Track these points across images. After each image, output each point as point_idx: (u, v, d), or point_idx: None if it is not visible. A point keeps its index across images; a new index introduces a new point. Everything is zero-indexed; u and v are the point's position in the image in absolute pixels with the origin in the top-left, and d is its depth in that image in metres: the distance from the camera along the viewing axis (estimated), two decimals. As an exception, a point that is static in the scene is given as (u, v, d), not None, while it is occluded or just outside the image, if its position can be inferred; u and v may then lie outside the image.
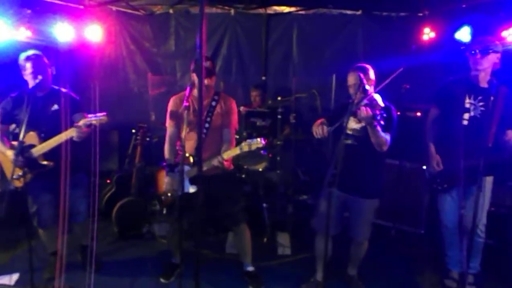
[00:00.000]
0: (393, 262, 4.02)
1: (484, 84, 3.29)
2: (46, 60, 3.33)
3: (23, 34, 4.62)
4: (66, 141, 3.11)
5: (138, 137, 4.40)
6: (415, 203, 4.42)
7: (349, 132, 3.12)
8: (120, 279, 3.61)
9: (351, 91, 3.12)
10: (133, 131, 4.47)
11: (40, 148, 3.18)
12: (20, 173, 3.03)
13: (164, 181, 3.33)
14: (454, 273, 3.56)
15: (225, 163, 3.15)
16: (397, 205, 4.42)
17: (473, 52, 3.22)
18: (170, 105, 3.37)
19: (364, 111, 2.75)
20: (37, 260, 3.64)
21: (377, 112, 2.73)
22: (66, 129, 3.12)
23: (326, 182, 2.70)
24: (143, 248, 4.20)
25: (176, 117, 3.32)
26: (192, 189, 3.17)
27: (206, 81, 3.19)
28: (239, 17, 5.53)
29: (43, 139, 3.19)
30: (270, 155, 4.63)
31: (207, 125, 3.25)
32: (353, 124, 3.11)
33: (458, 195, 3.35)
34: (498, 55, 3.24)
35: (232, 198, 3.40)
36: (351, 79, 3.11)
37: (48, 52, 4.94)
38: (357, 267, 3.52)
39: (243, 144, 2.99)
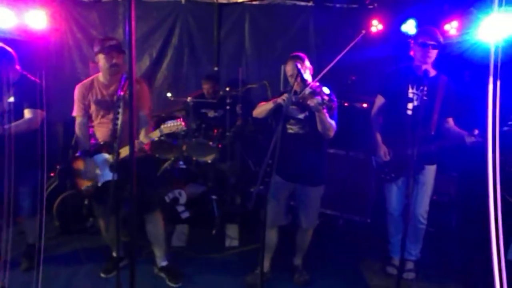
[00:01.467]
0: (339, 251, 4.07)
1: (427, 74, 3.36)
2: (4, 52, 3.25)
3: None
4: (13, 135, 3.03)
5: (81, 128, 4.22)
6: (362, 193, 4.49)
7: (292, 121, 3.11)
8: (58, 275, 3.48)
9: (290, 80, 3.11)
10: (77, 121, 4.29)
11: None
12: None
13: (81, 170, 3.20)
14: (396, 260, 3.65)
15: (145, 146, 3.06)
16: (345, 195, 4.48)
17: (424, 44, 3.26)
18: (77, 94, 3.23)
19: (313, 99, 2.73)
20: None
21: (325, 97, 2.72)
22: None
23: (261, 173, 2.69)
24: (87, 242, 4.06)
25: (84, 106, 3.22)
26: (108, 177, 3.07)
27: (115, 60, 3.06)
28: (190, 6, 5.40)
29: None
30: (220, 146, 4.58)
31: (119, 110, 3.03)
32: (295, 113, 3.10)
33: (404, 183, 3.44)
34: None
35: (147, 183, 3.22)
36: (289, 68, 3.10)
37: (-13, 38, 4.74)
38: (302, 256, 3.54)
39: (162, 126, 2.92)
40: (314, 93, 2.82)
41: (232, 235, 4.19)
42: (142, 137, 3.04)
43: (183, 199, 4.32)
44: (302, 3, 5.37)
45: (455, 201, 4.39)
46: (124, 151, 2.98)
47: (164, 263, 3.46)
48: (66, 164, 4.49)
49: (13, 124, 3.15)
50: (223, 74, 5.52)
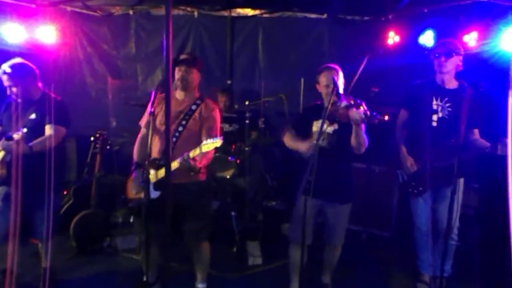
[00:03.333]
0: (365, 266, 3.97)
1: (449, 85, 3.35)
2: (27, 68, 3.24)
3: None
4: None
5: (97, 145, 4.12)
6: (384, 207, 4.42)
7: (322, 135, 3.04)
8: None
9: (326, 91, 3.03)
10: (92, 138, 4.18)
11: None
12: None
13: (131, 184, 3.09)
14: (426, 276, 3.57)
15: (192, 162, 2.78)
16: (367, 209, 4.39)
17: (437, 55, 3.26)
18: (150, 105, 3.11)
19: (356, 112, 2.64)
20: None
21: (368, 112, 2.64)
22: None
23: (301, 189, 2.60)
24: (104, 263, 3.92)
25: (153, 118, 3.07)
26: (154, 195, 2.90)
27: (181, 73, 3.00)
28: (203, 19, 5.36)
29: None
30: (238, 161, 4.49)
31: (180, 128, 3.01)
32: (325, 127, 3.02)
33: (431, 197, 3.37)
34: (460, 57, 3.31)
35: (197, 212, 3.12)
36: (323, 80, 3.03)
37: (-1, 53, 4.66)
38: (331, 274, 3.44)
39: (202, 144, 2.74)
40: (350, 106, 2.75)
41: (255, 252, 4.06)
42: (191, 152, 2.78)
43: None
44: (315, 16, 5.35)
45: (479, 214, 4.31)
46: (163, 172, 2.87)
47: (200, 285, 3.34)
48: (81, 182, 4.39)
49: (35, 141, 3.06)
50: (236, 87, 5.46)
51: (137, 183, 3.05)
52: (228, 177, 4.38)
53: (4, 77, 3.14)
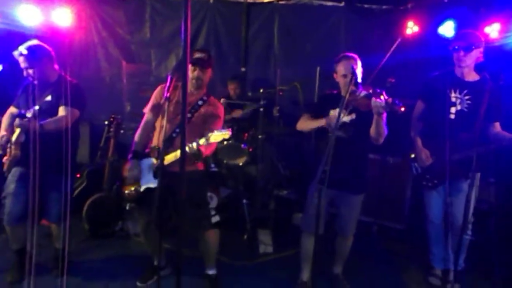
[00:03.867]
0: (376, 258, 3.96)
1: (469, 78, 3.28)
2: (44, 50, 3.21)
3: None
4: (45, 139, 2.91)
5: (111, 129, 4.13)
6: (397, 198, 4.37)
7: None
8: (91, 281, 3.38)
9: (343, 80, 2.98)
10: (106, 123, 4.19)
11: (13, 135, 3.07)
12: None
13: (126, 173, 3.08)
14: (438, 270, 3.55)
15: (201, 148, 2.82)
16: (379, 200, 4.36)
17: (456, 47, 3.19)
18: (156, 93, 3.18)
19: (378, 101, 2.58)
20: (4, 260, 3.40)
21: (389, 99, 2.57)
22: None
23: (316, 179, 2.57)
24: (116, 247, 3.96)
25: (158, 106, 3.13)
26: (154, 184, 2.96)
27: (196, 73, 3.01)
28: (218, 5, 5.30)
29: None
30: (251, 149, 4.47)
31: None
32: (342, 117, 2.98)
33: (444, 190, 3.32)
34: (481, 49, 3.23)
35: (197, 201, 3.10)
36: (341, 68, 2.98)
37: (13, 36, 4.65)
38: (343, 265, 3.42)
39: (209, 135, 2.75)
40: (370, 95, 2.70)
41: (266, 241, 4.07)
42: (200, 140, 2.80)
43: (214, 203, 4.20)
44: (332, 3, 5.26)
45: (494, 209, 4.25)
46: (169, 158, 2.88)
47: (210, 272, 3.34)
48: (94, 165, 4.41)
49: (47, 120, 3.06)
50: (250, 74, 5.41)
51: (132, 173, 3.06)
52: (240, 164, 4.36)
53: (21, 59, 3.13)
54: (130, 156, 3.11)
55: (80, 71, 5.24)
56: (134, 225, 4.17)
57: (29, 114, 2.91)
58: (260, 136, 4.41)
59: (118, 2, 5.27)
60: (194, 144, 2.78)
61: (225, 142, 4.32)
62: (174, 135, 3.03)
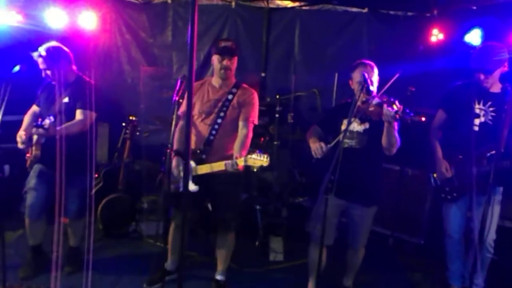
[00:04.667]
0: (390, 272, 3.84)
1: (494, 89, 3.14)
2: (62, 52, 3.30)
3: (13, 18, 4.41)
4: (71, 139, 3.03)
5: (127, 131, 4.19)
6: (415, 211, 4.22)
7: (348, 134, 2.92)
8: (103, 280, 3.41)
9: (356, 88, 2.91)
10: (123, 124, 4.25)
11: (34, 137, 3.19)
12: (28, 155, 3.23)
13: (174, 165, 3.09)
14: (455, 288, 3.39)
15: (240, 167, 2.84)
16: (397, 212, 4.22)
17: (476, 71, 3.09)
18: (175, 93, 3.15)
19: (389, 108, 2.52)
20: (18, 256, 3.48)
21: (400, 109, 2.50)
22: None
23: (323, 188, 2.50)
24: (129, 247, 3.99)
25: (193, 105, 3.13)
26: (192, 187, 2.95)
27: (225, 62, 2.99)
28: (240, 10, 5.29)
29: None
30: (266, 155, 4.41)
31: (219, 120, 3.01)
32: (355, 126, 2.91)
33: (466, 204, 3.18)
34: (505, 63, 3.08)
35: (230, 202, 3.14)
36: (358, 75, 2.91)
37: (40, 38, 4.79)
38: (353, 277, 3.33)
39: (248, 157, 2.76)
40: (380, 104, 2.62)
41: (277, 248, 4.01)
42: (239, 160, 2.81)
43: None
44: (356, 10, 5.16)
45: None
46: (204, 168, 2.89)
47: (219, 277, 3.33)
48: (111, 166, 4.47)
49: (64, 125, 3.13)
50: (270, 80, 5.38)
51: (176, 172, 3.08)
52: (255, 170, 4.31)
53: (40, 60, 3.22)
54: (173, 155, 3.11)
55: (104, 73, 5.32)
56: (148, 227, 4.21)
57: (46, 124, 2.97)
58: (275, 142, 4.36)
59: (141, 6, 5.35)
60: (234, 164, 2.80)
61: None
62: (211, 137, 3.02)
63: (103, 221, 4.06)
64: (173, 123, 2.85)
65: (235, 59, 3.05)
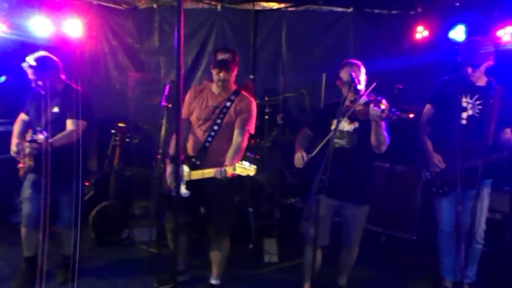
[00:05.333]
0: (383, 269, 3.86)
1: (480, 82, 3.20)
2: (51, 62, 3.28)
3: (-1, 28, 4.40)
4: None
5: (117, 138, 4.17)
6: (406, 208, 4.27)
7: (338, 134, 2.93)
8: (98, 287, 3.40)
9: (345, 88, 2.93)
10: (113, 131, 4.23)
11: (25, 147, 3.18)
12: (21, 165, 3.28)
13: (168, 171, 3.13)
14: (448, 281, 3.42)
15: (229, 175, 2.84)
16: (388, 209, 4.25)
17: (463, 64, 3.13)
18: (187, 96, 3.19)
19: (375, 108, 2.53)
20: (11, 268, 3.44)
21: (386, 107, 2.52)
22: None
23: (314, 188, 2.52)
24: (122, 254, 3.97)
25: (189, 110, 3.15)
26: (184, 192, 2.97)
27: (222, 75, 2.99)
28: (226, 13, 5.31)
29: None
30: (258, 156, 4.43)
31: (216, 127, 3.02)
32: (345, 126, 2.93)
33: (456, 198, 3.22)
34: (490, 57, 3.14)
35: (224, 206, 3.15)
36: (344, 75, 2.93)
37: (25, 47, 4.76)
38: (347, 276, 3.34)
39: (237, 165, 2.77)
40: (367, 103, 2.64)
41: (271, 250, 4.01)
42: (228, 168, 2.82)
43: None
44: (341, 9, 5.21)
45: (509, 219, 4.10)
46: (196, 174, 2.91)
47: (214, 282, 3.32)
48: (101, 173, 4.45)
49: (56, 137, 3.13)
50: (259, 82, 5.39)
51: (170, 179, 3.11)
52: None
53: (30, 71, 3.20)
54: (168, 161, 3.14)
55: (91, 80, 5.30)
56: (140, 233, 4.19)
57: (40, 139, 2.97)
58: (266, 144, 4.37)
59: (127, 12, 5.33)
60: (223, 172, 2.81)
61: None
62: (207, 144, 3.04)
63: (95, 229, 4.03)
64: (163, 128, 2.84)
65: (233, 71, 3.06)
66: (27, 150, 3.14)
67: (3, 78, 2.93)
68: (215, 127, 3.02)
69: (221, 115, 3.03)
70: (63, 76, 3.39)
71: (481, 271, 3.38)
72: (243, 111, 3.06)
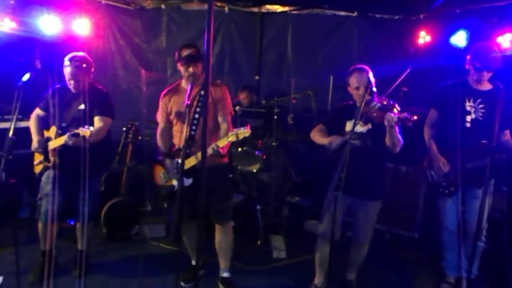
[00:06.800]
0: (388, 266, 3.99)
1: (482, 87, 3.33)
2: (86, 62, 3.32)
3: (7, 25, 4.42)
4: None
5: (129, 135, 4.23)
6: (410, 207, 4.39)
7: (353, 135, 3.05)
8: (109, 282, 3.47)
9: (357, 92, 3.06)
10: (124, 129, 4.30)
11: (52, 143, 3.24)
12: (38, 161, 3.33)
13: (159, 173, 3.24)
14: (451, 277, 3.56)
15: (221, 150, 2.96)
16: (392, 208, 4.37)
17: (478, 67, 3.23)
18: (162, 100, 3.28)
19: (390, 115, 2.68)
20: (24, 262, 3.49)
21: (401, 114, 2.68)
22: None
23: (332, 186, 2.63)
24: (133, 250, 4.03)
25: (166, 112, 3.26)
26: (187, 183, 3.04)
27: (191, 69, 3.07)
28: (233, 15, 5.42)
29: (58, 135, 3.22)
30: (264, 156, 4.54)
31: (197, 115, 3.04)
32: (359, 127, 3.06)
33: (458, 197, 3.36)
34: None
35: (223, 193, 3.26)
36: (354, 81, 3.04)
37: (34, 43, 4.80)
38: (356, 271, 3.47)
39: (230, 133, 2.89)
40: (383, 108, 2.77)
41: (279, 246, 4.12)
42: (220, 141, 2.94)
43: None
44: (345, 13, 5.35)
45: (507, 217, 4.26)
46: (192, 160, 2.98)
47: (225, 275, 3.41)
48: (112, 170, 4.51)
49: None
50: (264, 83, 5.50)
51: (168, 172, 3.20)
52: (254, 171, 4.43)
53: (67, 69, 3.23)
54: (160, 158, 3.25)
55: (98, 78, 5.32)
56: (151, 229, 4.27)
57: (84, 133, 2.96)
58: (273, 144, 4.48)
59: (135, 12, 5.41)
60: (215, 146, 2.91)
61: (239, 149, 4.41)
62: (193, 133, 3.06)
63: (107, 225, 4.09)
64: (185, 126, 2.92)
65: (200, 63, 3.11)
66: (51, 145, 3.17)
67: (27, 76, 2.96)
68: (196, 116, 3.05)
69: (199, 104, 3.07)
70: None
71: (482, 268, 3.52)
72: (220, 99, 3.18)
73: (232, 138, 2.88)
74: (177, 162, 3.12)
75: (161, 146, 3.32)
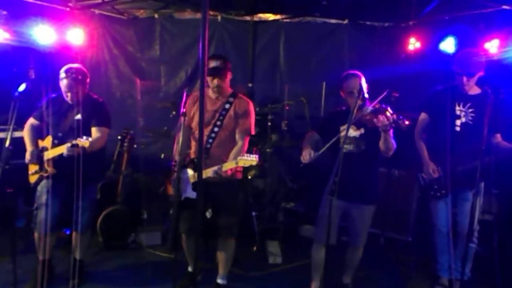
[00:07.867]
0: (383, 269, 4.04)
1: (471, 91, 3.42)
2: (82, 74, 3.31)
3: (0, 35, 4.44)
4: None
5: (124, 144, 4.25)
6: (403, 211, 4.45)
7: (347, 140, 3.11)
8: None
9: (350, 97, 3.12)
10: (119, 137, 4.32)
11: (48, 153, 3.24)
12: (33, 171, 3.33)
13: (171, 182, 3.25)
14: (444, 279, 3.61)
15: (230, 172, 2.98)
16: (386, 212, 4.43)
17: (459, 73, 3.33)
18: (187, 104, 3.21)
19: (384, 118, 2.72)
20: (21, 271, 3.48)
21: (394, 116, 2.72)
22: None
23: (327, 190, 2.68)
24: (130, 258, 4.05)
25: (189, 116, 3.24)
26: (192, 195, 3.10)
27: (216, 81, 3.10)
28: (226, 23, 5.48)
29: (55, 145, 3.23)
30: (260, 164, 4.57)
31: (216, 129, 3.13)
32: (351, 132, 3.11)
33: (452, 200, 3.43)
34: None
35: (230, 209, 3.28)
36: (349, 86, 3.10)
37: (28, 54, 4.81)
38: (352, 275, 3.51)
39: (239, 158, 2.89)
40: (376, 112, 2.83)
41: (275, 251, 4.15)
42: (223, 164, 2.95)
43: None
44: (336, 21, 5.44)
45: (497, 220, 4.34)
46: (204, 173, 2.97)
47: (221, 281, 3.44)
48: (107, 179, 4.51)
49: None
50: (257, 90, 5.56)
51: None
52: (249, 177, 4.47)
53: (63, 82, 3.23)
54: (173, 167, 3.23)
55: (92, 87, 5.35)
56: (147, 237, 4.28)
57: (84, 144, 2.97)
58: (268, 150, 4.53)
59: (128, 22, 5.45)
60: (218, 170, 2.93)
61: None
62: (208, 145, 3.13)
63: (103, 234, 4.10)
64: (180, 135, 2.96)
65: (227, 76, 3.15)
66: (46, 155, 3.19)
67: (23, 86, 2.98)
68: (215, 129, 3.13)
69: (221, 118, 3.15)
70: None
71: (474, 269, 3.59)
72: (243, 114, 3.19)
73: (240, 164, 2.88)
74: (189, 175, 3.14)
75: (175, 148, 3.25)
